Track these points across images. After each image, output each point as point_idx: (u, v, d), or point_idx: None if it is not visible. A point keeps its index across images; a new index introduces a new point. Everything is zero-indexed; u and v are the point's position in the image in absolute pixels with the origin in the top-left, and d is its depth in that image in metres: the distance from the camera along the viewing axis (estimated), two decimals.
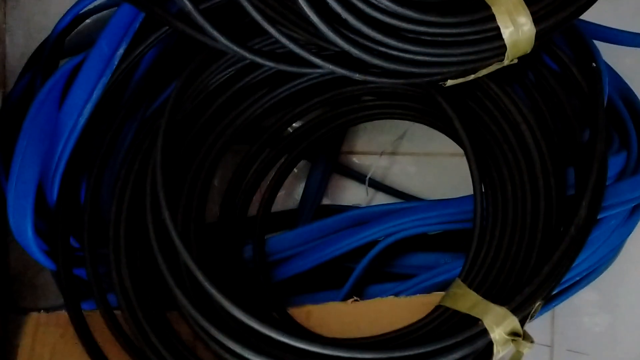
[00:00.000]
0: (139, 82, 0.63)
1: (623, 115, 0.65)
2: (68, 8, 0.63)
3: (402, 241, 0.62)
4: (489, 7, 0.54)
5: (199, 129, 0.63)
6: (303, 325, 0.59)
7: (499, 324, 0.53)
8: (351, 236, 0.62)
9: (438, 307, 0.56)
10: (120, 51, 0.60)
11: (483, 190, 0.60)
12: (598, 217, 0.58)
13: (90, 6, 0.63)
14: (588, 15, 0.58)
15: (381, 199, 0.71)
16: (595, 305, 0.68)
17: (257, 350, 0.53)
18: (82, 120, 0.60)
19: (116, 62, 0.60)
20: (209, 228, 0.64)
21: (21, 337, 0.59)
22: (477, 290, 0.55)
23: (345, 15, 0.53)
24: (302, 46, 0.55)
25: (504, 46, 0.54)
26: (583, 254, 0.58)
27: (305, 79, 0.64)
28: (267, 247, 0.63)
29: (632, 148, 0.63)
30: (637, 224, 0.63)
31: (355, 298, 0.60)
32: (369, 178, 0.70)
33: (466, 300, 0.55)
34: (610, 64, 0.64)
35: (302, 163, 0.71)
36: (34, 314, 0.59)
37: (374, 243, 0.62)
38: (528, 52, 0.56)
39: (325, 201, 0.70)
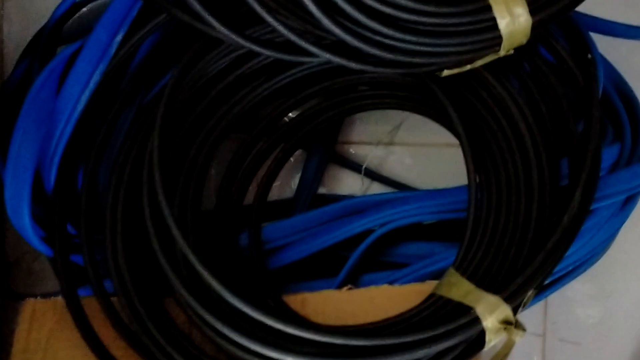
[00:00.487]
0: (136, 69, 0.63)
1: (617, 107, 0.65)
2: None
3: (396, 230, 0.62)
4: None
5: (196, 117, 0.63)
6: (298, 312, 0.59)
7: (491, 312, 0.53)
8: (346, 225, 0.62)
9: (431, 296, 0.57)
10: (118, 38, 0.60)
11: (477, 180, 0.61)
12: (591, 208, 0.58)
13: None
14: (584, 7, 0.58)
15: (377, 188, 0.71)
16: (588, 295, 0.69)
17: (253, 337, 0.53)
18: (79, 107, 0.60)
19: (114, 50, 0.60)
20: (206, 216, 0.64)
21: (18, 323, 0.59)
22: (470, 279, 0.56)
23: (342, 4, 0.53)
24: (299, 35, 0.55)
25: (500, 37, 0.55)
26: (576, 245, 0.58)
27: (302, 68, 0.65)
28: (263, 235, 0.63)
29: (625, 140, 0.63)
30: (629, 215, 0.63)
31: (350, 286, 0.60)
32: (365, 168, 0.71)
33: (459, 289, 0.55)
34: (606, 53, 0.64)
35: (298, 152, 0.71)
36: (31, 300, 0.60)
37: (369, 232, 0.62)
38: (524, 43, 0.56)
39: (321, 190, 0.71)
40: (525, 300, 0.55)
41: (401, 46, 0.54)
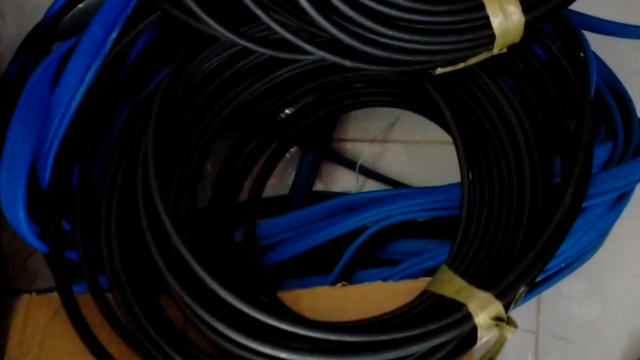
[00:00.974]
0: (131, 66, 0.63)
1: (610, 106, 0.65)
2: None
3: (390, 227, 0.63)
4: None
5: (191, 114, 0.63)
6: (292, 309, 0.59)
7: (483, 309, 0.53)
8: (340, 222, 0.63)
9: (424, 292, 0.57)
10: (113, 35, 0.60)
11: (470, 178, 0.61)
12: (583, 206, 0.59)
13: None
14: (577, 6, 0.58)
15: (371, 185, 0.71)
16: (581, 293, 0.69)
17: (247, 333, 0.54)
18: (74, 104, 0.60)
19: (109, 46, 0.60)
20: (201, 212, 0.64)
21: (13, 319, 0.59)
22: (462, 276, 0.56)
23: (336, 1, 0.53)
24: (293, 32, 0.55)
25: (493, 35, 0.55)
26: (568, 242, 0.58)
27: (297, 65, 0.65)
28: (258, 231, 0.64)
29: (618, 138, 0.63)
30: (622, 212, 0.63)
31: (343, 283, 0.60)
32: (360, 165, 0.71)
33: (452, 286, 0.56)
34: (603, 51, 0.64)
35: (293, 149, 0.71)
36: (26, 296, 0.60)
37: (363, 229, 0.62)
38: (517, 41, 0.56)
39: (316, 187, 0.71)
40: (517, 297, 0.55)
41: (395, 44, 0.54)
